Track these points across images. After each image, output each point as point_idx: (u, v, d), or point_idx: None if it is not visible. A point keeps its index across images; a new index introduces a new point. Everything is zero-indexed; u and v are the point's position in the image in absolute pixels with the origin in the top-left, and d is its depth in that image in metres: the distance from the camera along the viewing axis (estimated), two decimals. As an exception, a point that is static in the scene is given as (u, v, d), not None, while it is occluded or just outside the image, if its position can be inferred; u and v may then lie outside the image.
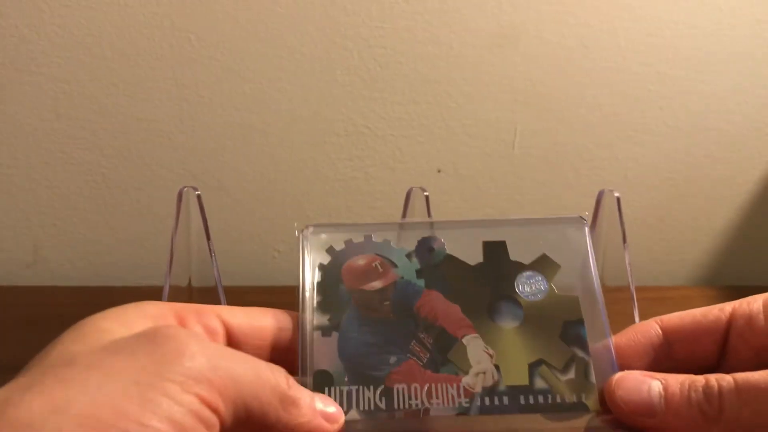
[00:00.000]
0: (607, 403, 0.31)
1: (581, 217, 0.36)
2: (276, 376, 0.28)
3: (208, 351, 0.26)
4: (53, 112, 0.65)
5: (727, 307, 0.32)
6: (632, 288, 0.49)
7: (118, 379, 0.24)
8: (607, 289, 0.51)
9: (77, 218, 0.69)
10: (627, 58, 0.65)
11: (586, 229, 0.36)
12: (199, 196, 0.49)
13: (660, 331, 0.32)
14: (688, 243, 0.74)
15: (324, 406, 0.30)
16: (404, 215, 0.51)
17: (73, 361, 0.25)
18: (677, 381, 0.29)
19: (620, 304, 0.48)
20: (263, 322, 0.32)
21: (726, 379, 0.28)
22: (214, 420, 0.25)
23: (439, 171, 0.69)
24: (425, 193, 0.50)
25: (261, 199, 0.69)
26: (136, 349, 0.25)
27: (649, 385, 0.30)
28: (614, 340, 0.33)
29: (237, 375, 0.26)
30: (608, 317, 0.34)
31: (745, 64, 0.66)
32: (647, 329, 0.32)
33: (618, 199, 0.49)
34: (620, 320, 0.36)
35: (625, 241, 0.49)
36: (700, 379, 0.29)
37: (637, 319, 0.47)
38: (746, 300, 0.32)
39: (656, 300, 0.67)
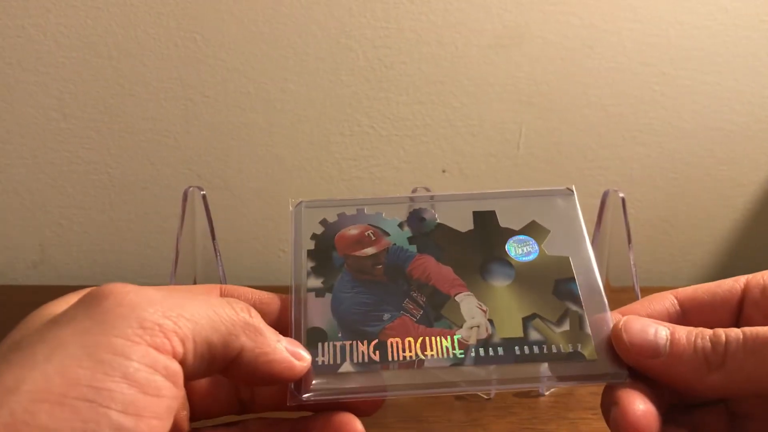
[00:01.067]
0: (613, 345, 0.31)
1: (568, 188, 0.36)
2: (235, 308, 0.27)
3: (151, 296, 0.25)
4: (59, 112, 0.65)
5: (742, 279, 0.32)
6: (637, 288, 0.49)
7: (65, 348, 0.23)
8: (611, 290, 0.51)
9: (83, 217, 0.70)
10: (631, 58, 0.65)
11: (575, 198, 0.36)
12: (204, 196, 0.49)
13: (675, 301, 0.32)
14: (692, 243, 0.74)
15: (290, 346, 0.29)
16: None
17: (18, 345, 0.24)
18: (684, 329, 0.30)
19: (625, 304, 0.48)
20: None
21: (734, 331, 0.29)
22: (174, 367, 0.25)
23: (443, 171, 0.69)
24: (430, 194, 0.50)
25: (266, 199, 0.70)
26: (75, 314, 0.25)
27: (657, 328, 0.30)
28: (628, 309, 0.33)
29: (189, 312, 0.25)
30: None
31: (749, 64, 0.66)
32: (662, 299, 0.33)
33: (623, 199, 0.49)
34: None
35: (629, 241, 0.49)
36: (708, 330, 0.29)
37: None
38: (761, 273, 0.32)
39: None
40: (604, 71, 0.66)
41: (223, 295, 0.32)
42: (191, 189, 0.49)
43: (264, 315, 0.32)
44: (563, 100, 0.67)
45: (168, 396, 0.24)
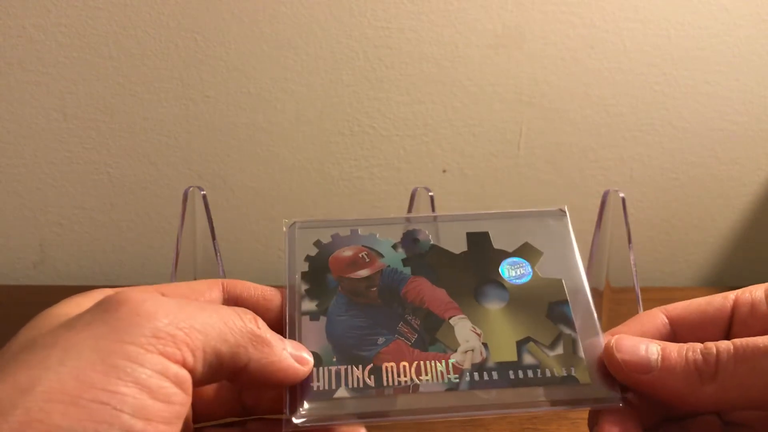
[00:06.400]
0: (606, 369, 0.31)
1: (561, 209, 0.37)
2: (244, 319, 0.28)
3: (165, 307, 0.26)
4: (60, 112, 0.65)
5: (731, 296, 0.32)
6: (637, 289, 0.49)
7: (79, 352, 0.24)
8: (612, 290, 0.51)
9: (83, 217, 0.70)
10: (632, 58, 0.65)
11: (567, 219, 0.36)
12: (204, 196, 0.49)
13: (666, 320, 0.33)
14: (693, 244, 0.74)
15: (295, 350, 0.30)
16: (409, 215, 0.51)
17: (32, 345, 0.25)
18: (676, 345, 0.30)
19: (625, 305, 0.48)
20: (211, 295, 0.32)
21: (725, 343, 0.29)
22: (183, 375, 0.25)
23: (444, 171, 0.69)
24: (430, 194, 0.50)
25: (266, 199, 0.70)
26: (91, 320, 0.25)
27: (648, 344, 0.30)
28: (619, 330, 0.33)
29: (200, 324, 0.26)
30: (613, 318, 0.34)
31: (750, 64, 0.66)
32: (653, 319, 0.33)
33: (623, 200, 0.49)
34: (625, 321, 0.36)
35: (630, 241, 0.49)
36: (698, 344, 0.30)
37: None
38: (748, 289, 0.32)
39: (661, 301, 0.66)
40: (605, 71, 0.66)
41: (225, 289, 0.33)
42: (191, 189, 0.49)
43: (267, 310, 0.33)
44: (564, 100, 0.67)
45: (177, 403, 0.25)
